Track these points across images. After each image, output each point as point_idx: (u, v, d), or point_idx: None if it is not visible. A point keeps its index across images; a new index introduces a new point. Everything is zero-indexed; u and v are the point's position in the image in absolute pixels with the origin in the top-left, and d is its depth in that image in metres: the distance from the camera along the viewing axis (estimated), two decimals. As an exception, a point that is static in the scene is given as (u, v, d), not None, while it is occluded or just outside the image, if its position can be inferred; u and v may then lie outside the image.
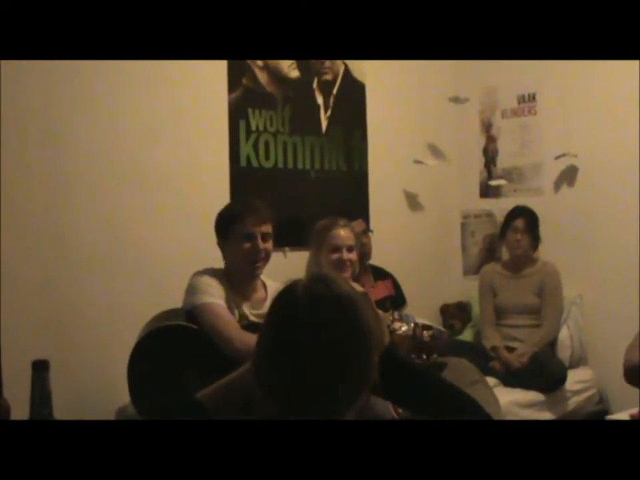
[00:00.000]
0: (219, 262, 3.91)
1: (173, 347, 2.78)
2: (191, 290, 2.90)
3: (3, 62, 3.13)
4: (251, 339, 2.62)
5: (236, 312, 2.90)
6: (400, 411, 3.20)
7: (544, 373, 4.12)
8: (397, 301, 4.09)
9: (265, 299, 2.99)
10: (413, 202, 4.99)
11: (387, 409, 3.10)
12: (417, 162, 4.92)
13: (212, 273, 2.94)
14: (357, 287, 1.73)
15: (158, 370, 2.75)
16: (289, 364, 1.37)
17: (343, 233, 3.41)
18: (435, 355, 3.81)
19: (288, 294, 1.44)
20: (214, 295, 2.84)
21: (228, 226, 3.00)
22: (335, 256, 3.36)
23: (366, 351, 1.40)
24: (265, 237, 2.96)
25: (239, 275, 2.96)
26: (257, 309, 2.94)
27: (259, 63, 4.15)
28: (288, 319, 1.40)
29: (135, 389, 2.76)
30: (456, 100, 5.00)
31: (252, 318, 2.90)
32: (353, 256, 3.41)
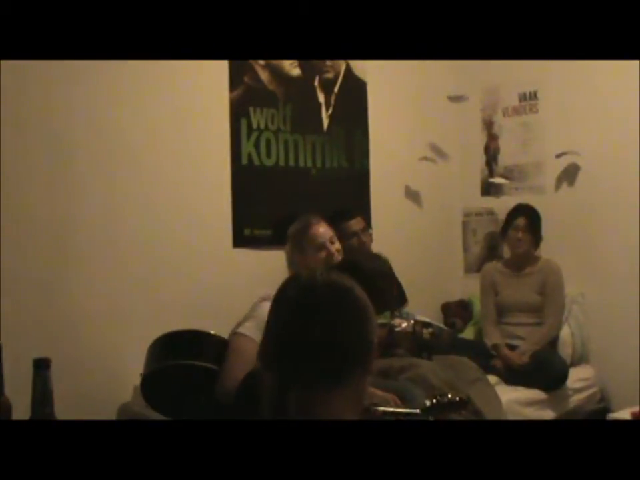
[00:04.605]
0: (220, 261, 3.93)
1: (179, 385, 2.98)
2: (245, 314, 3.05)
3: (3, 62, 3.13)
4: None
5: None
6: (399, 403, 3.21)
7: (545, 371, 4.12)
8: (397, 299, 4.09)
9: None
10: (414, 200, 4.99)
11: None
12: (423, 159, 4.92)
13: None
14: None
15: (168, 402, 3.02)
16: (288, 342, 1.45)
17: (322, 229, 3.44)
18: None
19: (290, 279, 1.57)
20: (255, 327, 2.88)
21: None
22: (323, 253, 3.37)
23: (360, 331, 1.48)
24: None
25: None
26: None
27: (261, 61, 4.15)
28: (288, 300, 1.50)
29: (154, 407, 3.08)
30: (457, 98, 4.99)
31: None
32: (337, 245, 3.46)
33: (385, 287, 3.66)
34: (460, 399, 2.29)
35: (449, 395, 2.27)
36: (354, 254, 3.92)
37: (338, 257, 3.40)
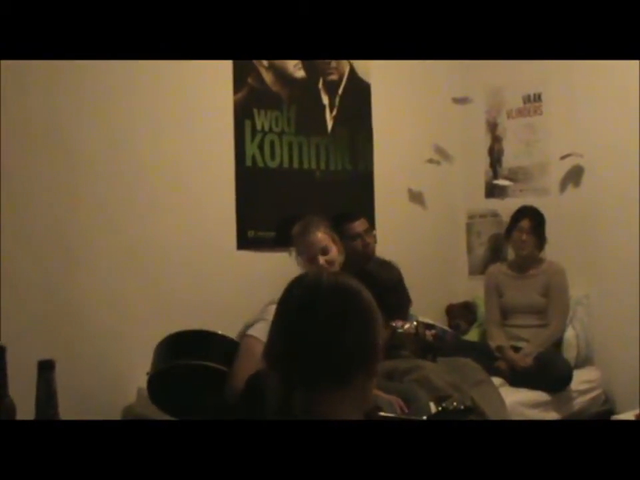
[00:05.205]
0: (224, 263, 3.93)
1: (185, 385, 3.01)
2: (255, 316, 3.05)
3: (3, 62, 3.13)
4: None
5: None
6: (406, 410, 3.21)
7: (550, 373, 4.11)
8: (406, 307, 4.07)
9: None
10: (418, 202, 4.99)
11: (391, 405, 3.10)
12: (429, 161, 4.93)
13: None
14: None
15: (174, 401, 3.05)
16: (293, 342, 1.46)
17: (319, 236, 3.28)
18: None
19: (296, 279, 1.58)
20: (265, 329, 2.88)
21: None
22: (313, 265, 3.23)
23: (365, 333, 1.48)
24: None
25: None
26: None
27: (265, 62, 4.15)
28: (293, 300, 1.52)
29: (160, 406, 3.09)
30: (461, 100, 4.99)
31: None
32: (331, 255, 3.29)
33: (400, 300, 3.63)
34: (465, 407, 2.28)
35: (455, 403, 2.27)
36: (369, 262, 3.89)
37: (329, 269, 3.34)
